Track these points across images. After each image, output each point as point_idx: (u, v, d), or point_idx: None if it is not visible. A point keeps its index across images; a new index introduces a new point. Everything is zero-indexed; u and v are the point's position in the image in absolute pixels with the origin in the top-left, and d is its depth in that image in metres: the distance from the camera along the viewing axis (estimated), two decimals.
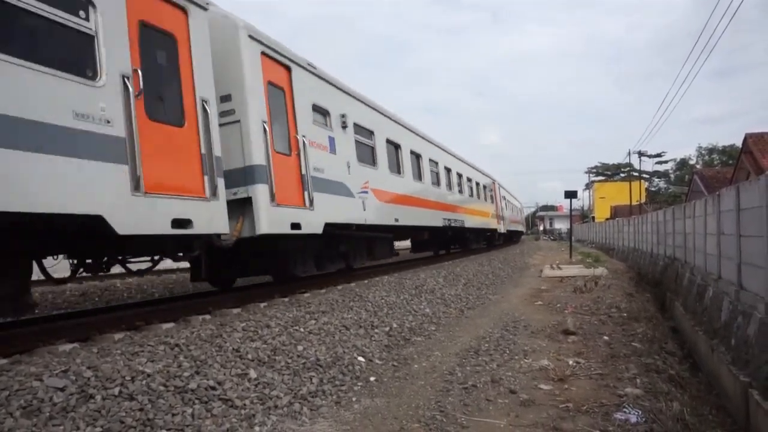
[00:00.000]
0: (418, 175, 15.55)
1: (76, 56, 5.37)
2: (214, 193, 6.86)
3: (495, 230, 28.55)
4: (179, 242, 6.94)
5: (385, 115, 13.32)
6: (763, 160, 23.22)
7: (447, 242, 22.49)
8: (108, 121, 5.50)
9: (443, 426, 4.76)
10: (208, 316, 7.06)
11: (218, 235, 7.06)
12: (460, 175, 20.93)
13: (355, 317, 8.03)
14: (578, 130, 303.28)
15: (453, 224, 18.77)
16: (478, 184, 24.57)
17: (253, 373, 5.23)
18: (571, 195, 27.42)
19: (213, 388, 4.70)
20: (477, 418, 4.99)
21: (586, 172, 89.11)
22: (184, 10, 6.72)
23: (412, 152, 15.01)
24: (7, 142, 4.49)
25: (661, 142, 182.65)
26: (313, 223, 9.03)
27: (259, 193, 7.70)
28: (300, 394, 5.24)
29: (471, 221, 21.73)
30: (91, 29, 5.45)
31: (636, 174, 61.16)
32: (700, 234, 11.38)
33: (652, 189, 79.11)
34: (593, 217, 73.13)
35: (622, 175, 76.08)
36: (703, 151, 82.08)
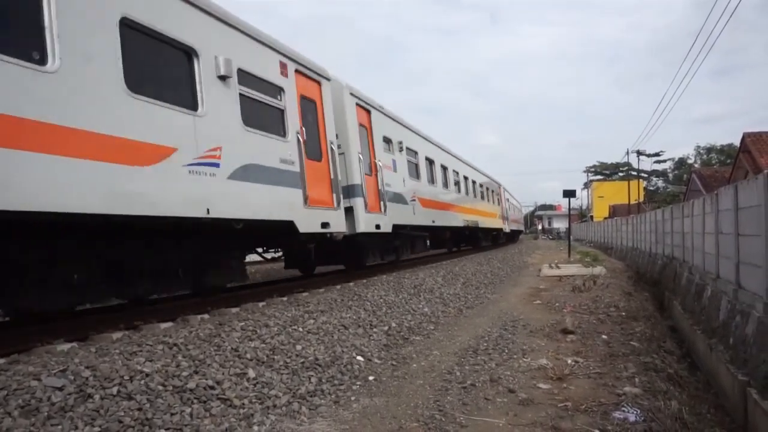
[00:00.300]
0: (446, 184, 18.78)
1: (278, 124, 8.60)
2: (338, 204, 10.02)
3: (501, 229, 31.52)
4: (315, 238, 9.72)
5: (423, 137, 16.61)
6: (761, 159, 23.25)
7: (459, 240, 24.66)
8: (292, 162, 8.72)
9: (442, 425, 4.76)
10: (206, 316, 7.06)
11: (330, 233, 9.88)
12: (474, 182, 24.05)
13: (354, 316, 8.03)
14: (577, 130, 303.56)
15: (470, 225, 21.80)
16: (488, 189, 27.77)
17: (251, 373, 5.22)
18: (569, 194, 27.48)
19: (212, 388, 4.70)
20: (476, 417, 4.99)
21: (584, 172, 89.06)
22: (319, 82, 10.03)
23: (441, 166, 18.33)
24: (250, 177, 7.56)
25: (660, 142, 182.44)
26: (387, 224, 12.14)
27: (358, 203, 10.86)
28: (299, 394, 5.24)
29: (483, 222, 24.67)
30: (282, 106, 8.68)
31: (634, 173, 61.21)
32: (699, 233, 11.40)
33: (651, 188, 79.25)
34: (592, 217, 73.18)
35: (621, 174, 76.13)
36: (701, 151, 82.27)
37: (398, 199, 13.23)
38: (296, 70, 9.19)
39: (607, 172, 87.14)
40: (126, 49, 5.72)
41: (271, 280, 12.72)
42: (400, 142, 13.91)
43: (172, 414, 4.16)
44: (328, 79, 10.39)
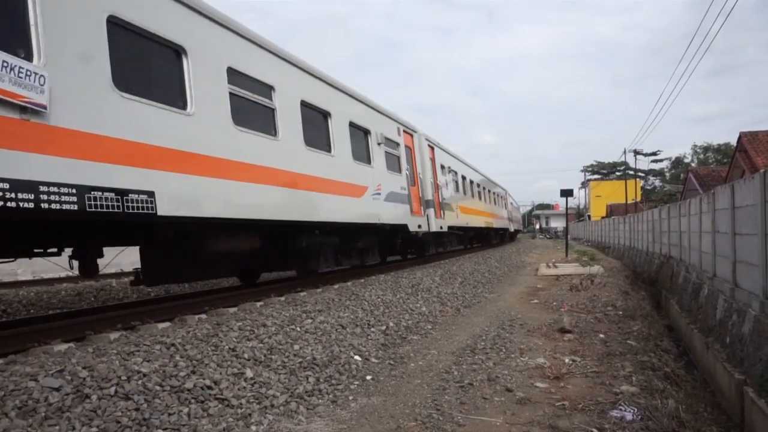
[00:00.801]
0: (472, 194, 24.10)
1: (397, 165, 13.81)
2: (424, 213, 15.38)
3: (506, 229, 37.24)
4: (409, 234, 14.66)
5: (460, 160, 22.24)
6: (757, 158, 23.31)
7: (474, 238, 28.76)
8: (404, 189, 13.90)
9: (439, 424, 4.76)
10: (204, 316, 7.06)
11: (417, 232, 15.06)
12: (489, 191, 29.50)
13: (352, 316, 8.03)
14: (575, 130, 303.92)
15: (487, 225, 27.48)
16: (498, 195, 33.09)
17: (249, 373, 5.22)
18: (566, 193, 27.55)
19: (209, 388, 4.69)
20: (473, 416, 4.99)
21: (582, 171, 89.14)
22: (412, 135, 15.47)
23: (470, 180, 23.98)
24: (390, 199, 12.93)
25: (657, 141, 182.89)
26: (444, 226, 17.43)
27: (431, 212, 15.92)
28: (296, 393, 5.24)
29: (496, 223, 30.46)
30: (399, 154, 13.97)
31: (632, 172, 61.27)
32: (696, 232, 11.43)
33: (648, 187, 79.26)
34: (589, 216, 73.25)
35: (618, 173, 76.19)
36: (698, 150, 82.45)
37: (449, 207, 18.54)
38: (403, 130, 14.66)
39: (604, 171, 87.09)
40: (352, 140, 11.09)
41: (268, 280, 12.71)
42: (450, 167, 19.60)
43: (169, 414, 4.16)
44: (416, 132, 16.01)
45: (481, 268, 17.70)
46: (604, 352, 7.39)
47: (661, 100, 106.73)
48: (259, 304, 8.07)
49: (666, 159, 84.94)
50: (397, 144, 14.01)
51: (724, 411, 6.44)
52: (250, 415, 4.59)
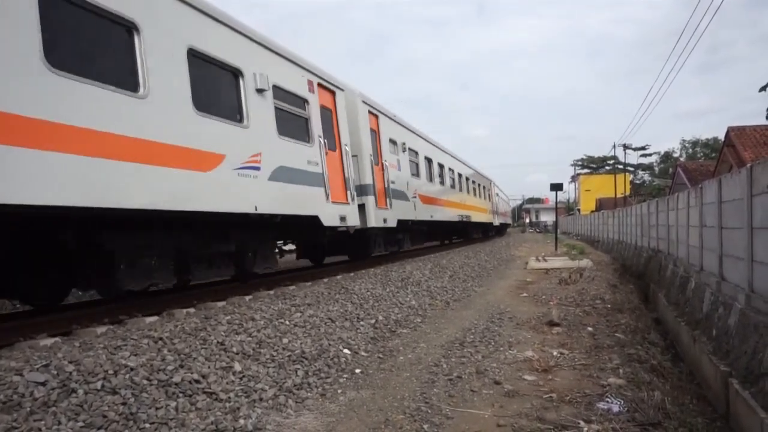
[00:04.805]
0: (487, 198, 31.49)
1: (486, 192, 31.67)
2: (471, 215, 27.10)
3: (490, 223, 37.40)
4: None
5: (489, 179, 31.94)
6: (744, 152, 23.53)
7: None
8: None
9: (428, 417, 4.78)
10: (192, 310, 7.01)
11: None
12: (499, 196, 37.39)
13: (341, 310, 8.02)
14: (565, 124, 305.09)
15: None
16: (480, 185, 32.32)
17: (237, 366, 5.20)
18: (556, 187, 27.68)
19: (197, 382, 4.67)
20: (462, 408, 5.02)
21: (571, 165, 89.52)
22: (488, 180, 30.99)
23: (496, 194, 33.39)
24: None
25: (646, 135, 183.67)
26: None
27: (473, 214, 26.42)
28: (285, 387, 5.23)
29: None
30: (487, 185, 31.36)
31: (621, 167, 61.62)
32: (683, 226, 11.51)
33: (637, 181, 79.72)
34: (579, 210, 73.62)
35: (608, 167, 76.57)
36: (686, 144, 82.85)
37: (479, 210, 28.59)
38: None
39: (594, 165, 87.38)
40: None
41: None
42: (488, 188, 31.36)
43: (157, 408, 4.14)
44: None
45: (471, 261, 17.75)
46: (592, 345, 7.45)
47: (650, 95, 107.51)
48: (248, 298, 8.03)
49: (655, 153, 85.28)
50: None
51: (709, 402, 6.51)
52: (238, 408, 4.58)
